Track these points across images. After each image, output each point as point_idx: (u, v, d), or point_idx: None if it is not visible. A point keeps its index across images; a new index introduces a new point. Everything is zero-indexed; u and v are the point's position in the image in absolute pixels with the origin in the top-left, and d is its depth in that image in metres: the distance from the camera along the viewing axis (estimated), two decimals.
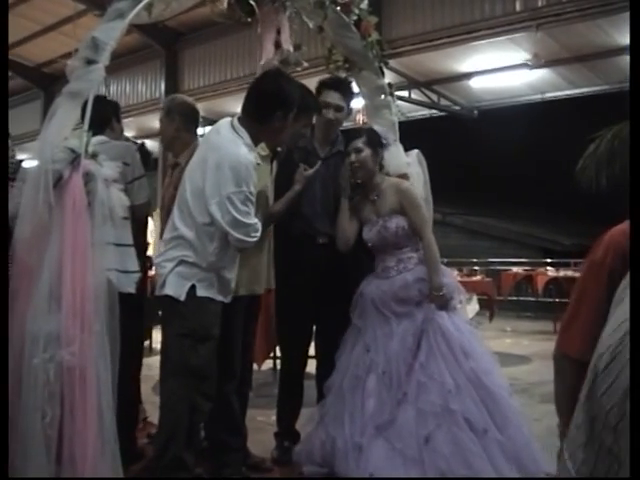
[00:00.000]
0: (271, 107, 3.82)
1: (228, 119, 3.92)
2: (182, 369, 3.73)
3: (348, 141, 4.62)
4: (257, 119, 3.83)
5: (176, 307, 3.71)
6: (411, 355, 4.37)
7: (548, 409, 2.72)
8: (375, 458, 4.15)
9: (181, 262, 3.72)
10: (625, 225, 2.34)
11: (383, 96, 5.22)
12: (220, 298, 3.83)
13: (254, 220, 3.74)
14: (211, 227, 3.69)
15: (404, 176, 4.81)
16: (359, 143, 4.51)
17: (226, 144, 3.76)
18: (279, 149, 4.60)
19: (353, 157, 4.50)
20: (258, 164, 3.87)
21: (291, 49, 4.69)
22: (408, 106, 13.87)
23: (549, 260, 17.54)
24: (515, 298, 16.29)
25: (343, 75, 5.11)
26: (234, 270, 3.94)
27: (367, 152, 4.50)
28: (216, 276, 3.79)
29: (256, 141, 3.87)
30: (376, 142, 4.60)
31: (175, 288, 3.71)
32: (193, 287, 3.70)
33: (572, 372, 2.34)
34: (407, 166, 4.94)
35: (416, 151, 5.14)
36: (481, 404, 4.22)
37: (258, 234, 3.78)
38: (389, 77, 5.43)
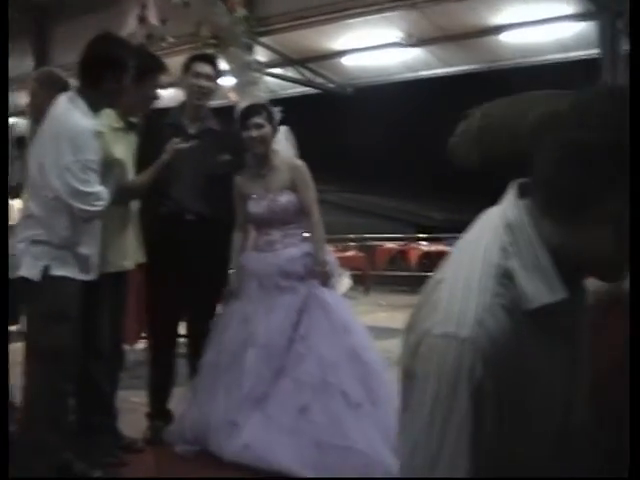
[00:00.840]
0: (98, 68, 3.77)
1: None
2: (40, 350, 3.66)
3: (244, 117, 4.62)
4: (89, 84, 3.78)
5: (32, 288, 3.62)
6: (292, 328, 4.42)
7: None
8: (250, 429, 4.18)
9: (33, 242, 3.62)
10: None
11: (251, 73, 5.22)
12: (80, 276, 3.74)
13: (96, 188, 3.67)
14: (58, 201, 3.59)
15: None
16: (260, 119, 4.58)
17: (61, 114, 3.69)
18: (135, 120, 4.48)
19: (254, 133, 4.55)
20: (101, 132, 3.81)
21: (157, 23, 4.63)
22: (282, 83, 13.86)
23: (422, 235, 17.98)
24: (390, 273, 16.59)
25: (211, 52, 5.08)
26: (93, 245, 3.85)
27: (267, 128, 4.58)
28: (71, 253, 3.69)
29: (95, 107, 3.79)
30: (274, 119, 4.67)
31: (29, 269, 3.61)
32: (47, 267, 3.61)
33: None
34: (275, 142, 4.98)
35: (284, 128, 5.18)
36: (357, 378, 4.31)
37: (102, 202, 3.69)
38: (262, 54, 5.45)
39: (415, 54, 12.74)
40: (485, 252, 1.33)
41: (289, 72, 14.27)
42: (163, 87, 4.63)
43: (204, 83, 4.71)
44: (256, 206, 4.60)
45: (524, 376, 1.30)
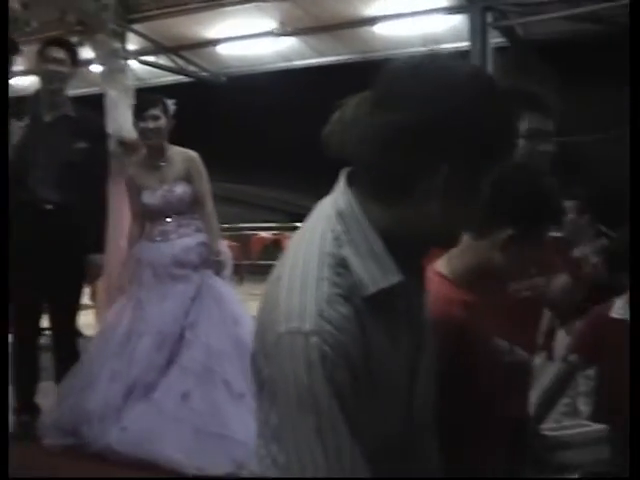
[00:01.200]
0: None
1: None
2: None
3: (139, 109, 4.58)
4: None
5: None
6: (184, 317, 4.43)
7: None
8: (132, 415, 4.15)
9: None
10: None
11: (118, 60, 5.18)
12: None
13: None
14: None
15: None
16: (156, 111, 4.61)
17: None
18: None
19: (151, 124, 4.57)
20: None
21: (18, 6, 4.51)
22: (154, 71, 13.62)
23: (298, 224, 18.07)
24: (264, 262, 16.60)
25: (76, 38, 5.02)
26: None
27: (163, 120, 4.61)
28: None
29: None
30: (169, 111, 4.69)
31: None
32: None
33: None
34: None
35: None
36: (242, 369, 4.33)
37: None
38: (134, 42, 5.36)
39: (289, 44, 12.74)
40: (320, 241, 1.35)
41: (162, 60, 14.05)
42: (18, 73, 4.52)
43: (57, 68, 4.64)
44: (151, 197, 4.62)
45: (372, 362, 1.32)
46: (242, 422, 4.10)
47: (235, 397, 4.27)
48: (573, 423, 3.14)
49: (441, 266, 2.02)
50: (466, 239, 1.89)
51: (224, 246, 4.93)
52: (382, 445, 1.39)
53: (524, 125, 2.71)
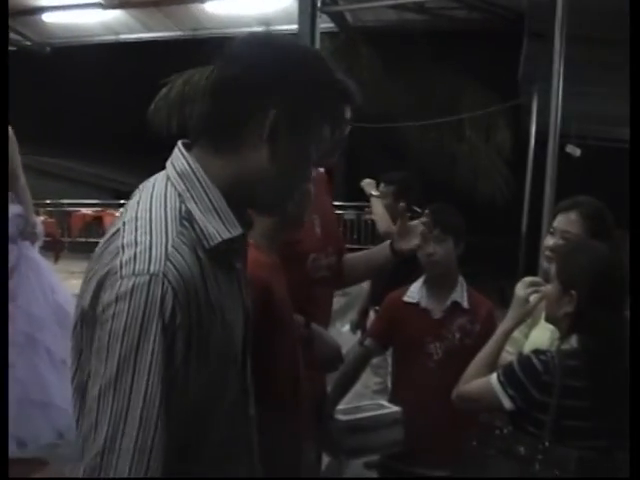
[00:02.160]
0: None
1: None
2: None
3: None
4: None
5: None
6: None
7: None
8: None
9: None
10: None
11: None
12: None
13: None
14: None
15: None
16: None
17: None
18: None
19: None
20: None
21: None
22: None
23: (122, 201, 17.72)
24: (85, 239, 16.26)
25: None
26: None
27: None
28: None
29: None
30: None
31: None
32: None
33: None
34: None
35: None
36: (62, 336, 4.32)
37: None
38: None
39: (116, 16, 12.46)
40: (164, 198, 1.40)
41: None
42: None
43: None
44: None
45: (209, 311, 1.37)
46: (64, 389, 4.09)
47: (57, 364, 4.30)
48: (371, 404, 3.24)
49: None
50: None
51: (36, 217, 4.91)
52: (215, 414, 1.45)
53: None
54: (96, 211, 17.34)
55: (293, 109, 1.43)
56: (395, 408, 3.06)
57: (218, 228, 1.41)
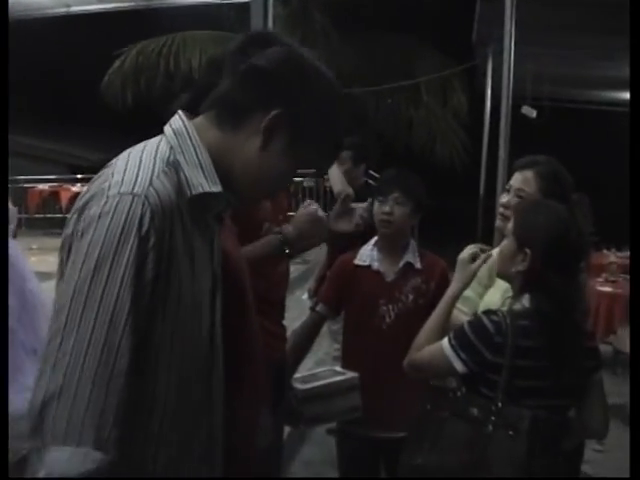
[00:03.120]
0: None
1: None
2: None
3: None
4: None
5: None
6: None
7: None
8: None
9: None
10: None
11: None
12: None
13: None
14: None
15: None
16: None
17: None
18: None
19: None
20: None
21: None
22: None
23: (78, 176, 17.52)
24: (42, 215, 16.08)
25: None
26: None
27: None
28: None
29: None
30: None
31: None
32: None
33: None
34: None
35: None
36: (32, 325, 4.27)
37: None
38: None
39: None
40: (157, 149, 1.52)
41: None
42: None
43: None
44: None
45: (180, 252, 1.47)
46: (29, 376, 4.11)
47: (29, 353, 4.26)
48: (326, 371, 3.25)
49: None
50: None
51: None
52: (186, 365, 1.50)
53: None
54: (52, 186, 17.13)
55: (295, 117, 1.53)
56: (351, 374, 3.07)
57: (201, 181, 1.50)
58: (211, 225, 1.62)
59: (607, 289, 7.57)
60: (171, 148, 1.52)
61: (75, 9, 13.16)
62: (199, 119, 1.58)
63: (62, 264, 1.45)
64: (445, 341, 2.34)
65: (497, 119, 7.46)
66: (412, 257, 3.30)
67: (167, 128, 1.57)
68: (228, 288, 2.04)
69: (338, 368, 3.29)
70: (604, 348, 7.20)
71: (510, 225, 2.46)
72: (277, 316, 2.96)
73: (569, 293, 2.31)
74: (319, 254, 5.66)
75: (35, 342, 4.28)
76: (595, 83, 12.74)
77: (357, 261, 3.36)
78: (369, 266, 3.32)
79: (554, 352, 2.25)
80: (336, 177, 5.13)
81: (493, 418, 2.21)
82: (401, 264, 3.28)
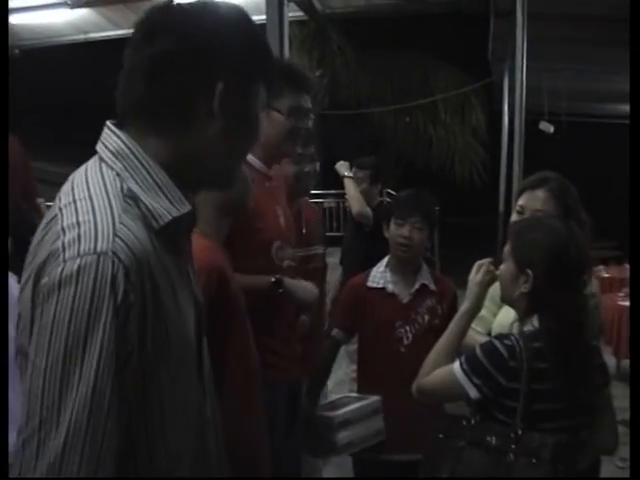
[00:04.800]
0: None
1: None
2: None
3: None
4: None
5: None
6: None
7: None
8: None
9: None
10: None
11: None
12: None
13: None
14: None
15: None
16: None
17: None
18: None
19: None
20: None
21: None
22: None
23: None
24: None
25: None
26: None
27: None
28: None
29: None
30: None
31: None
32: None
33: None
34: None
35: None
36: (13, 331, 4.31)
37: None
38: None
39: (82, 14, 12.36)
40: (104, 178, 1.29)
41: None
42: None
43: None
44: None
45: (162, 293, 1.27)
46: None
47: (12, 360, 4.29)
48: (344, 397, 3.25)
49: None
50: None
51: None
52: (174, 411, 1.32)
53: (285, 102, 2.77)
54: None
55: (238, 78, 1.36)
56: (374, 398, 3.06)
57: (165, 206, 1.30)
58: (180, 242, 1.41)
59: (628, 303, 7.48)
60: (117, 175, 1.29)
61: (92, 36, 13.32)
62: (132, 130, 1.35)
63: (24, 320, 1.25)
64: (456, 366, 2.26)
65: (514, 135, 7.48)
66: (427, 278, 3.31)
67: (102, 150, 1.34)
68: (227, 309, 2.06)
69: (354, 393, 3.30)
70: (625, 363, 7.15)
71: (507, 248, 2.39)
72: (294, 339, 2.96)
73: (576, 309, 2.26)
74: (332, 274, 5.67)
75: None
76: (611, 97, 12.72)
77: (370, 283, 3.34)
78: (383, 288, 3.31)
79: (568, 372, 2.20)
80: (354, 197, 5.18)
81: (513, 446, 2.13)
82: (417, 285, 3.28)
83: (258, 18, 10.37)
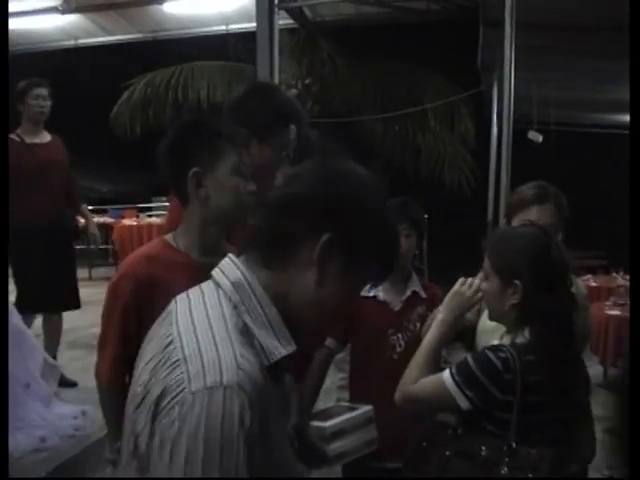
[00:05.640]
0: None
1: None
2: None
3: None
4: None
5: None
6: None
7: None
8: None
9: None
10: (146, 249, 2.37)
11: None
12: None
13: None
14: None
15: None
16: None
17: None
18: None
19: None
20: None
21: None
22: None
23: (90, 207, 17.55)
24: None
25: None
26: None
27: None
28: None
29: None
30: None
31: None
32: None
33: (104, 398, 2.42)
34: None
35: None
36: (26, 358, 4.27)
37: None
38: None
39: (72, 20, 12.33)
40: (222, 309, 1.36)
41: None
42: None
43: None
44: None
45: (271, 425, 1.32)
46: (33, 409, 4.13)
47: (24, 388, 4.27)
48: (335, 407, 3.24)
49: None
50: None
51: None
52: None
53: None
54: None
55: (347, 238, 1.40)
56: (366, 407, 3.07)
57: (275, 344, 1.36)
58: (284, 380, 1.49)
59: (616, 312, 7.51)
60: (234, 308, 1.37)
61: (82, 42, 13.28)
62: (247, 260, 1.43)
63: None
64: (447, 376, 2.25)
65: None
66: (417, 286, 3.35)
67: (222, 279, 1.41)
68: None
69: (345, 403, 3.30)
70: (612, 371, 7.18)
71: (486, 264, 2.37)
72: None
73: (567, 310, 2.25)
74: None
75: (27, 376, 4.33)
76: (600, 106, 12.78)
77: (362, 292, 3.36)
78: (374, 297, 3.33)
79: (560, 384, 2.18)
80: None
81: (507, 459, 2.11)
82: (408, 293, 3.31)
83: (248, 26, 10.42)
